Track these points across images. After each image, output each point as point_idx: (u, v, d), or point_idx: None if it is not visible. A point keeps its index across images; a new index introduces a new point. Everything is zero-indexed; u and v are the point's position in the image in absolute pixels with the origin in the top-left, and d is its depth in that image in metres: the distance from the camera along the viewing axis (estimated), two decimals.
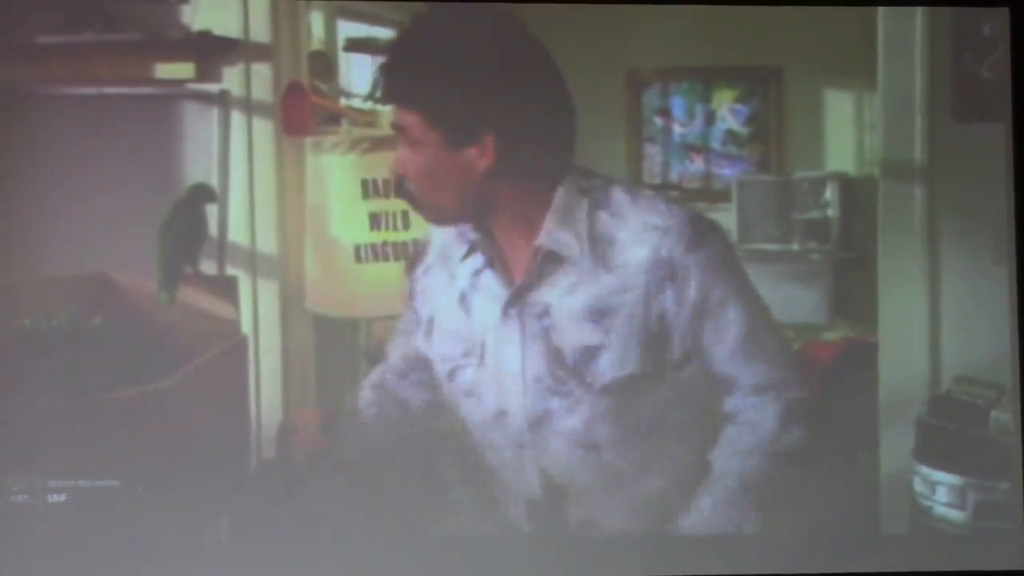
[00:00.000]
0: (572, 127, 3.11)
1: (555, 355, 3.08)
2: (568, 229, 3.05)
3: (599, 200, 3.07)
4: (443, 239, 3.23)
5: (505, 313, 3.11)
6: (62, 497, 3.32)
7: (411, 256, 3.37)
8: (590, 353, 3.05)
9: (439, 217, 3.15)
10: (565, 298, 3.07)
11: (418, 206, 3.13)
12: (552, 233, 3.04)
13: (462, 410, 3.24)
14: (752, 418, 3.06)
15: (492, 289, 3.15)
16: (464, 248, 3.18)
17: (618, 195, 3.06)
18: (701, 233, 3.01)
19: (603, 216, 3.05)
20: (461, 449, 3.29)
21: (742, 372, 3.04)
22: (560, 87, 3.08)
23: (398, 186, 3.11)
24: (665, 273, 3.02)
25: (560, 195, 3.05)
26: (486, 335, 3.15)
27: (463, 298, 3.18)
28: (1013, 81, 3.55)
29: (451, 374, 3.22)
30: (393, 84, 3.08)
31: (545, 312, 3.09)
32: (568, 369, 3.07)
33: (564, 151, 3.10)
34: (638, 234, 3.03)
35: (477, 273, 3.16)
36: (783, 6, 3.57)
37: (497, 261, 3.13)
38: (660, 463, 3.13)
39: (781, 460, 3.07)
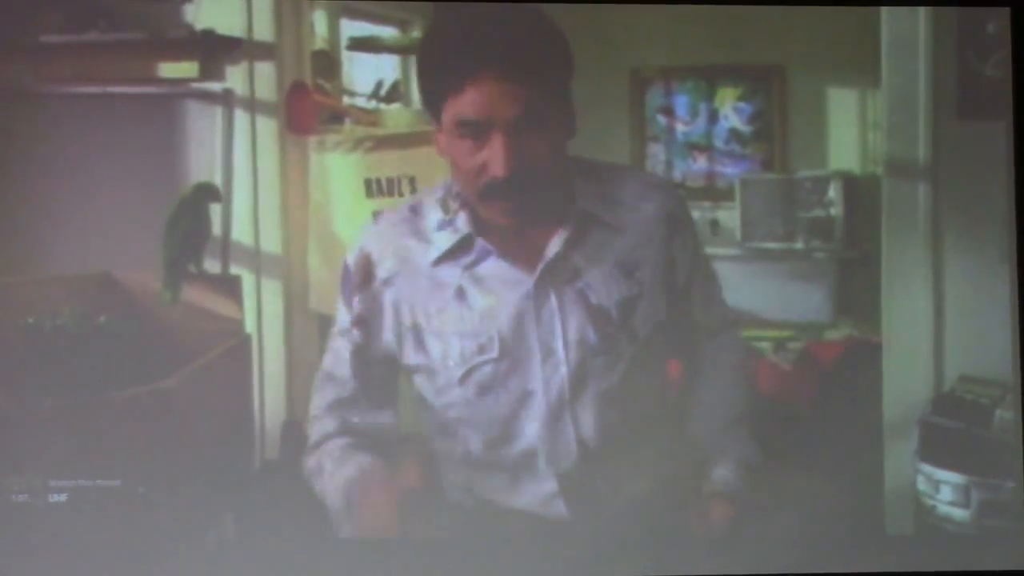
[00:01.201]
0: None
1: (599, 313, 3.13)
2: (588, 194, 3.13)
3: (585, 173, 3.16)
4: (391, 245, 3.20)
5: (536, 287, 3.12)
6: (63, 497, 3.32)
7: (352, 276, 3.24)
8: (630, 305, 3.13)
9: (528, 209, 3.11)
10: (594, 258, 3.13)
11: (517, 201, 3.08)
12: (586, 197, 3.13)
13: (470, 411, 3.20)
14: (721, 353, 3.25)
15: (501, 274, 3.14)
16: (444, 245, 3.16)
17: (596, 167, 3.19)
18: (671, 186, 3.38)
19: (603, 184, 3.16)
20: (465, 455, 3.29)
21: (712, 314, 3.25)
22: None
23: (506, 185, 3.04)
24: (673, 225, 3.17)
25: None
26: (500, 323, 3.14)
27: (461, 294, 3.16)
28: (1014, 81, 3.55)
29: (465, 376, 3.18)
30: (530, 63, 3.06)
31: (576, 275, 3.13)
32: (615, 324, 3.12)
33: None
34: (641, 192, 3.17)
35: (471, 266, 3.15)
36: (786, 5, 3.57)
37: (502, 246, 3.14)
38: (678, 414, 3.26)
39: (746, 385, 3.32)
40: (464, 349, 3.16)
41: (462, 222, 3.15)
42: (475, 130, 3.03)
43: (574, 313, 3.13)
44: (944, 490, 3.51)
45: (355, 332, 3.21)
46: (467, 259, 3.15)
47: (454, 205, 3.16)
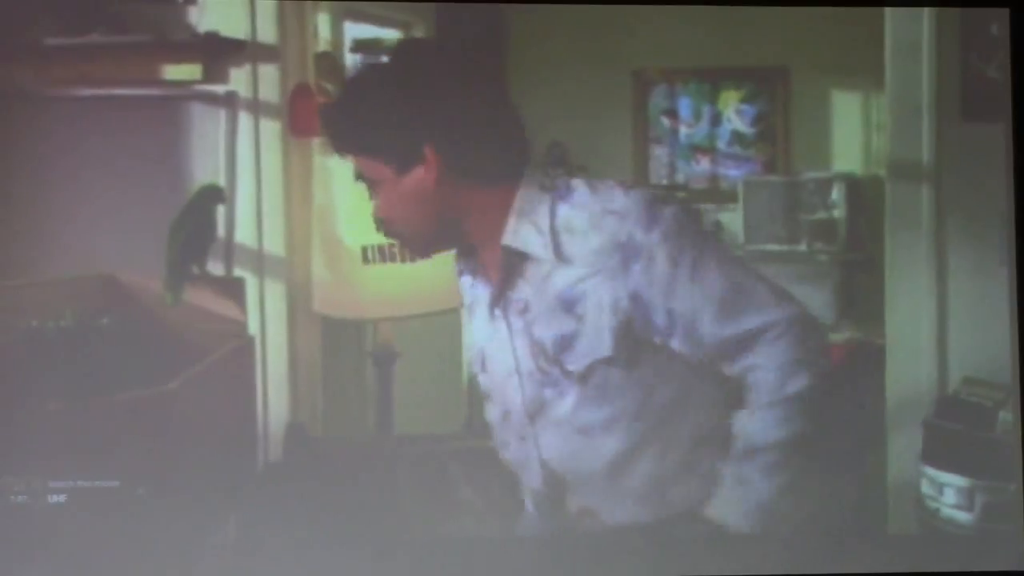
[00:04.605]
0: (518, 128, 3.18)
1: (539, 347, 3.14)
2: (531, 226, 3.11)
3: (561, 194, 3.12)
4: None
5: (492, 315, 3.18)
6: (65, 498, 3.32)
7: None
8: (567, 341, 3.11)
9: (423, 247, 3.24)
10: (539, 292, 3.13)
11: (405, 244, 3.27)
12: (516, 232, 3.11)
13: (485, 414, 3.31)
14: (758, 371, 3.10)
15: (482, 296, 3.21)
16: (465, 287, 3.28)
17: (578, 187, 3.13)
18: (655, 211, 3.08)
19: (564, 209, 3.11)
20: (474, 451, 3.31)
21: (734, 328, 3.09)
22: (495, 91, 3.26)
23: (386, 232, 3.21)
24: (628, 255, 3.08)
25: (521, 194, 3.12)
26: (483, 342, 3.23)
27: (468, 311, 3.27)
28: (1013, 81, 3.55)
29: (471, 383, 3.34)
30: (338, 140, 3.21)
31: (526, 308, 3.15)
32: (551, 359, 3.13)
33: (515, 152, 3.17)
34: (596, 221, 3.09)
35: (472, 286, 3.24)
36: (790, 6, 3.57)
37: (480, 269, 3.20)
38: (652, 446, 3.16)
39: (794, 407, 3.09)
40: (471, 361, 3.31)
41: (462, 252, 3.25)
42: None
43: (522, 345, 3.17)
44: (948, 493, 3.51)
45: None
46: (470, 279, 3.26)
47: None
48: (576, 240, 3.10)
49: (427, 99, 3.14)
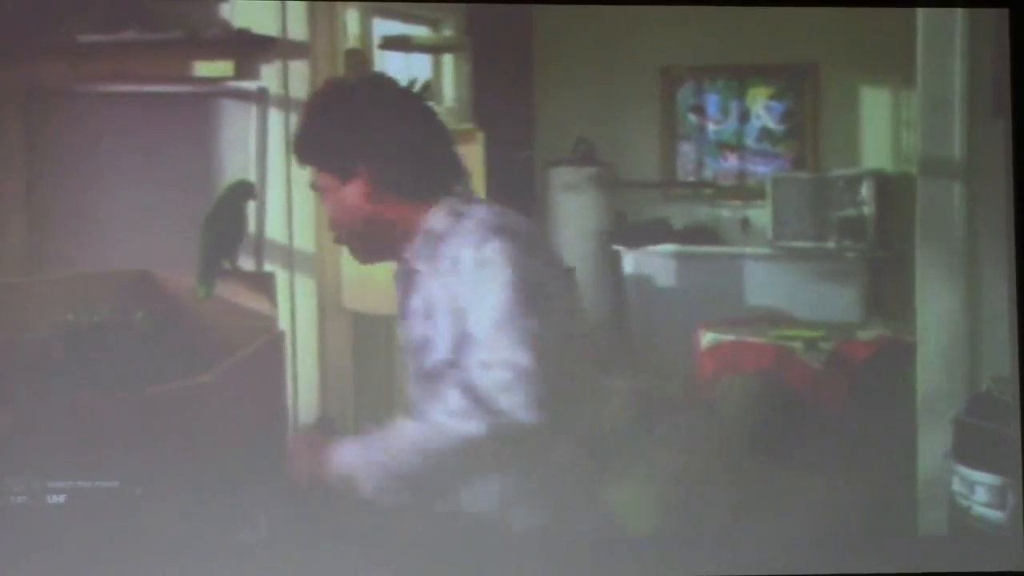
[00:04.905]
0: (444, 154, 3.29)
1: (410, 346, 3.27)
2: (428, 247, 3.21)
3: (465, 221, 3.22)
4: None
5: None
6: (58, 499, 3.35)
7: None
8: (425, 344, 3.24)
9: (363, 255, 3.30)
10: (425, 300, 3.24)
11: (352, 250, 3.30)
12: (416, 251, 3.22)
13: None
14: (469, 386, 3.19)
15: None
16: None
17: (480, 213, 3.23)
18: (485, 235, 3.18)
19: (460, 233, 3.21)
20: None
21: (482, 350, 3.17)
22: (426, 121, 3.31)
23: (335, 238, 3.30)
24: (455, 268, 3.19)
25: (429, 215, 3.21)
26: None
27: None
28: (1013, 80, 3.52)
29: None
30: (300, 153, 3.29)
31: (414, 315, 3.25)
32: (417, 361, 3.25)
33: (438, 175, 3.26)
34: (457, 239, 3.20)
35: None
36: (818, 6, 3.56)
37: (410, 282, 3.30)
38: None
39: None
40: None
41: None
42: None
43: (411, 349, 3.29)
44: (979, 491, 3.49)
45: None
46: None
47: None
48: (448, 256, 3.20)
49: (366, 121, 3.27)
